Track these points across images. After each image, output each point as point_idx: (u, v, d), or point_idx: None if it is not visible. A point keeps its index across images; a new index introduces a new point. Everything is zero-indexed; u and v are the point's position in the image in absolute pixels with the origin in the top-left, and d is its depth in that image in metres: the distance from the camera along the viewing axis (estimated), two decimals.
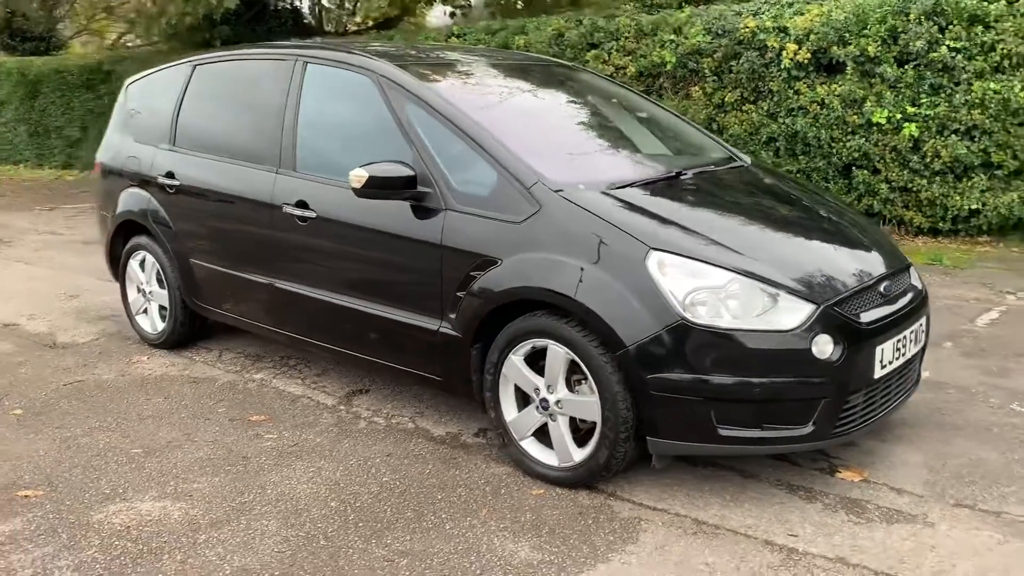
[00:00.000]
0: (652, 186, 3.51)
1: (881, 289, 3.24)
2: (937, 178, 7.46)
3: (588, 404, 3.12)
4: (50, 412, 4.18)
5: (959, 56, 7.25)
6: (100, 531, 3.06)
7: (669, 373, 2.92)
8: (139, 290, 5.10)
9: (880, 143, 7.65)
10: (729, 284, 2.94)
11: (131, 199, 4.94)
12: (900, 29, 7.47)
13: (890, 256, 3.49)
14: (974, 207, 7.33)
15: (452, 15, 13.44)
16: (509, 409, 3.39)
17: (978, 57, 7.21)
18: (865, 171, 7.76)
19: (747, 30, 8.30)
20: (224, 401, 4.26)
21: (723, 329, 2.90)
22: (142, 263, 5.03)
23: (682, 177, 3.67)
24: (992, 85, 7.12)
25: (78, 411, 4.19)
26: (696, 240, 3.09)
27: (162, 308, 5.00)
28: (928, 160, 7.43)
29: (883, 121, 7.64)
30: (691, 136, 4.38)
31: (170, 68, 4.97)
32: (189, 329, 4.96)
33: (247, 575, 2.78)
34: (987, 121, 7.20)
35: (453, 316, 3.45)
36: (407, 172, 3.46)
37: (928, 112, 7.45)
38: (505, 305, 3.28)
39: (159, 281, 4.94)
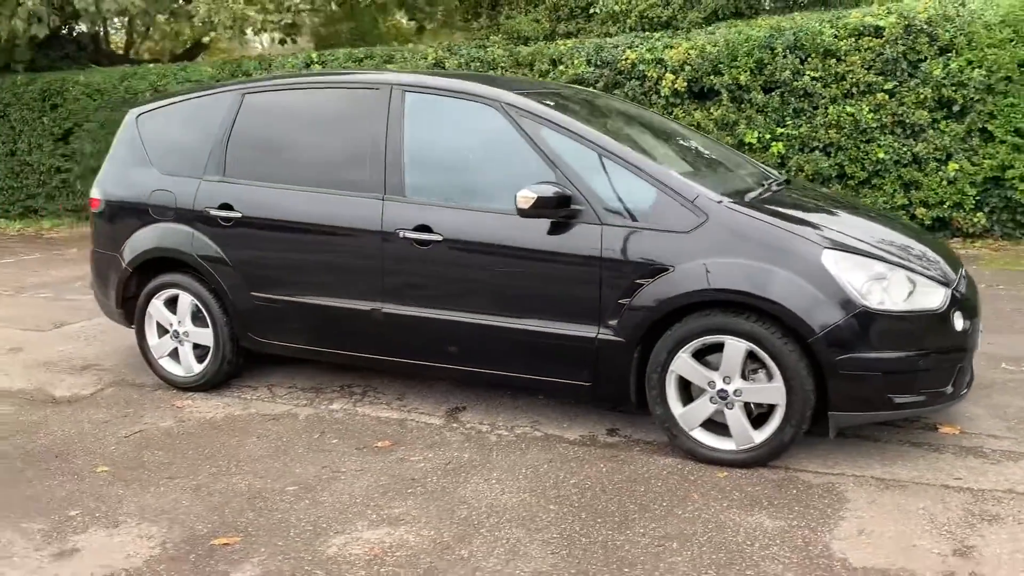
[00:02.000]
0: (769, 196, 4.00)
1: (963, 273, 3.95)
2: None
3: (769, 390, 3.54)
4: (143, 465, 3.91)
5: (818, 84, 8.45)
6: (347, 562, 3.03)
7: (855, 354, 3.41)
8: (165, 331, 4.80)
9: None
10: (889, 274, 3.49)
11: (162, 234, 4.67)
12: (766, 61, 8.56)
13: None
14: None
15: (282, 42, 13.20)
16: (676, 404, 3.72)
17: (832, 85, 8.43)
18: None
19: (627, 61, 9.09)
20: (328, 433, 4.20)
21: (895, 312, 3.44)
22: (170, 303, 4.75)
23: (775, 188, 4.19)
24: (848, 108, 8.36)
25: (174, 460, 3.95)
26: (847, 238, 3.62)
27: (197, 348, 4.75)
28: (793, 174, 8.54)
29: (754, 141, 8.73)
30: (731, 154, 4.92)
31: (202, 97, 4.76)
32: (235, 368, 4.76)
33: None
34: (841, 139, 8.45)
35: (614, 323, 3.73)
36: (565, 192, 3.70)
37: (792, 132, 8.61)
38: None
39: (196, 320, 4.70)
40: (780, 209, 3.81)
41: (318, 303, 4.34)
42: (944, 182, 8.22)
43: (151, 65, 12.30)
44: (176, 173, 4.68)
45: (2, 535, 3.31)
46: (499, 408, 4.42)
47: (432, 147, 4.19)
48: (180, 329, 4.74)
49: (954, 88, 8.07)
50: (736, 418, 3.62)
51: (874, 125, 8.32)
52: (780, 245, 3.53)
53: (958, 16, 8.05)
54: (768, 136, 8.73)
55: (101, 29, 15.62)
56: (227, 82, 5.00)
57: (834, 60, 8.39)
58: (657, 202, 3.70)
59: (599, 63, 9.24)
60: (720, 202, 3.66)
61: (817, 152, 8.58)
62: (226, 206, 4.48)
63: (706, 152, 4.71)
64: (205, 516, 3.42)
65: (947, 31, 8.05)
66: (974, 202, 8.23)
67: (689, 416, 3.70)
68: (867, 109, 8.33)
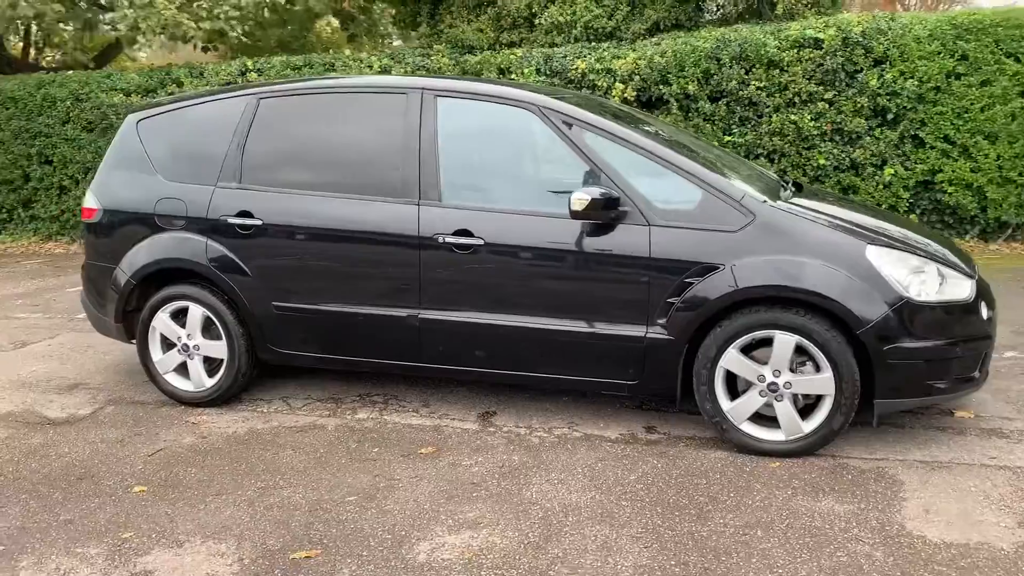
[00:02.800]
0: (799, 196, 4.17)
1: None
2: None
3: (819, 380, 3.69)
4: (180, 483, 3.76)
5: (762, 93, 8.80)
6: (443, 568, 3.01)
7: (900, 343, 3.60)
8: (170, 346, 4.62)
9: None
10: (924, 267, 3.70)
11: (172, 244, 4.49)
12: (713, 71, 8.87)
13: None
14: None
15: (205, 50, 12.81)
16: (724, 399, 3.83)
17: (776, 94, 8.80)
18: None
19: (578, 71, 9.25)
20: (365, 442, 4.13)
21: (933, 303, 3.64)
22: (178, 315, 4.58)
23: (798, 190, 4.37)
24: (791, 117, 8.74)
25: (213, 476, 3.81)
26: (881, 235, 3.81)
27: (208, 362, 4.59)
28: None
29: None
30: (739, 160, 5.07)
31: (209, 103, 4.61)
32: (249, 380, 4.62)
33: (648, 572, 2.96)
34: (785, 146, 8.83)
35: (663, 321, 3.81)
36: (613, 193, 3.77)
37: (739, 140, 8.94)
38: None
39: (206, 332, 4.54)
40: (817, 209, 3.97)
41: (347, 311, 4.26)
42: (880, 186, 8.68)
43: (70, 72, 11.71)
44: (185, 180, 4.51)
45: (59, 562, 3.13)
46: (530, 411, 4.44)
47: (468, 151, 4.19)
48: (190, 342, 4.56)
49: (888, 97, 8.54)
50: (786, 409, 3.75)
51: (815, 133, 8.71)
52: (826, 242, 3.69)
53: (890, 30, 8.53)
54: (716, 144, 9.01)
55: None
56: (236, 86, 4.85)
57: (777, 70, 8.76)
58: (704, 202, 3.81)
59: (549, 72, 9.36)
60: (764, 202, 3.79)
61: (762, 159, 8.93)
62: (245, 214, 4.35)
63: (723, 157, 4.86)
64: (272, 530, 3.32)
65: (881, 44, 8.52)
66: (907, 204, 8.72)
67: (739, 410, 3.82)
68: (808, 117, 8.72)
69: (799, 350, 3.71)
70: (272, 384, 4.90)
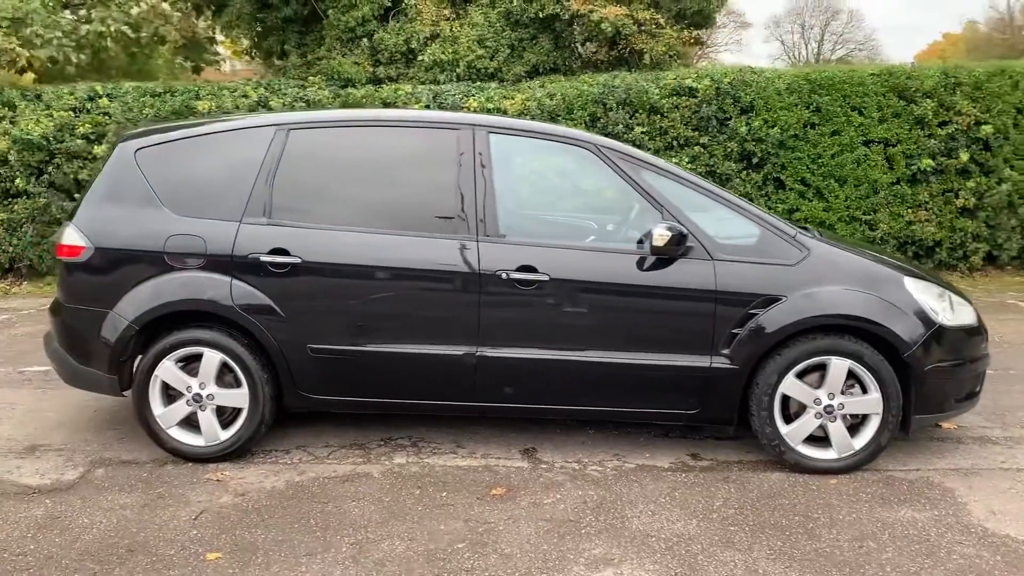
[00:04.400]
0: (827, 236, 4.54)
1: None
2: None
3: (867, 401, 4.03)
4: (256, 547, 3.45)
5: (645, 137, 9.36)
6: None
7: (936, 364, 4.02)
8: (172, 397, 4.20)
9: None
10: (943, 295, 4.17)
11: (187, 284, 4.10)
12: (599, 115, 9.33)
13: None
14: None
15: (22, 71, 11.61)
16: (781, 423, 4.08)
17: (657, 138, 9.40)
18: None
19: (469, 109, 9.38)
20: (427, 487, 3.97)
21: (955, 326, 4.11)
22: (184, 362, 4.18)
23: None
24: (672, 159, 9.36)
25: (287, 536, 3.52)
26: (908, 267, 4.25)
27: (221, 412, 4.23)
28: None
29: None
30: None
31: (224, 133, 4.27)
32: (268, 430, 4.30)
33: None
34: None
35: (726, 351, 4.01)
36: (684, 229, 3.95)
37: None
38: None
39: (220, 381, 4.18)
40: (843, 245, 4.35)
41: (396, 351, 4.09)
42: None
43: None
44: (202, 216, 4.14)
45: None
46: (568, 445, 4.46)
47: (524, 188, 4.20)
48: (203, 392, 4.17)
49: (754, 143, 9.37)
50: (838, 429, 4.05)
51: None
52: (872, 274, 4.07)
53: (755, 82, 9.38)
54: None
55: None
56: (255, 116, 4.51)
57: (658, 116, 9.35)
58: (762, 238, 4.06)
59: (441, 107, 9.39)
60: (814, 238, 4.11)
61: None
62: (280, 251, 4.07)
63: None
64: None
65: (748, 95, 9.34)
66: None
67: (796, 432, 4.07)
68: (686, 160, 9.36)
69: (848, 373, 4.03)
70: (276, 434, 4.57)
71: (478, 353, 4.07)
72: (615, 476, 4.09)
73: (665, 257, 3.99)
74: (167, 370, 4.16)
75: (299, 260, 4.06)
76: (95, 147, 9.23)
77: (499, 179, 4.11)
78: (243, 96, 9.58)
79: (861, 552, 3.36)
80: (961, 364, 4.14)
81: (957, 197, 9.45)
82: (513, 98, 9.45)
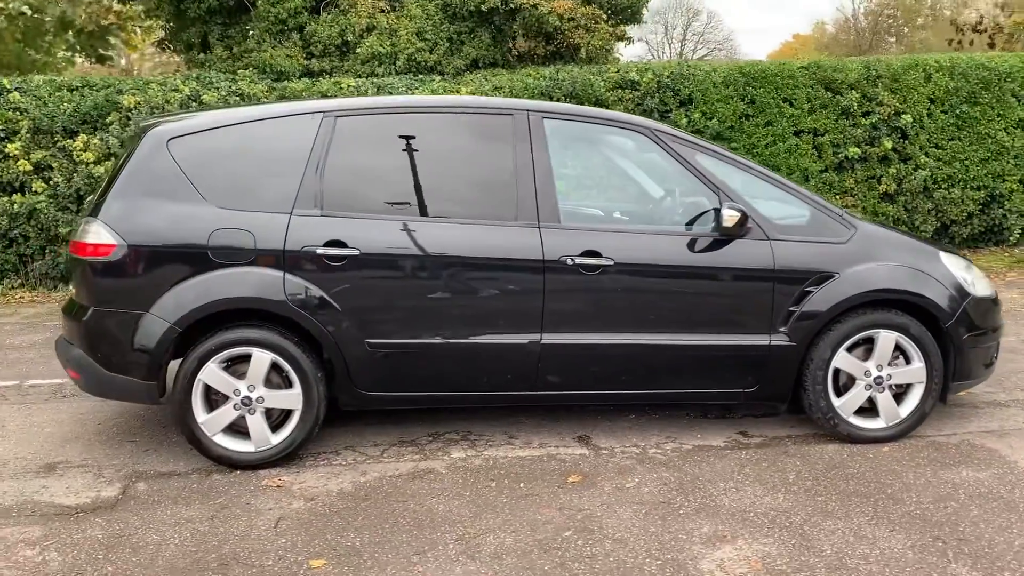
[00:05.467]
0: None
1: None
2: None
3: (912, 371, 4.22)
4: (357, 551, 3.30)
5: None
6: (729, 569, 3.05)
7: (971, 333, 4.26)
8: (213, 402, 3.96)
9: None
10: (969, 267, 4.41)
11: (236, 281, 3.86)
12: None
13: None
14: None
15: None
16: (834, 397, 4.22)
17: None
18: None
19: None
20: (503, 479, 3.89)
21: (982, 297, 4.35)
22: (229, 364, 3.95)
23: None
24: None
25: (386, 538, 3.39)
26: (938, 243, 4.47)
27: (269, 415, 4.02)
28: None
29: None
30: None
31: (271, 120, 4.04)
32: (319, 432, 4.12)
33: (923, 549, 3.24)
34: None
35: (784, 328, 4.12)
36: (746, 211, 4.02)
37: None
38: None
39: (269, 382, 3.97)
40: (881, 223, 4.53)
41: (458, 343, 3.99)
42: None
43: None
44: (249, 208, 3.91)
45: None
46: (617, 431, 4.46)
47: (581, 173, 4.15)
48: (252, 395, 3.94)
49: (694, 135, 9.60)
50: (887, 400, 4.23)
51: None
52: (914, 249, 4.26)
53: (694, 76, 9.64)
54: None
55: None
56: (294, 103, 4.27)
57: (603, 108, 9.45)
58: (813, 218, 4.18)
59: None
60: (858, 217, 4.26)
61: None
62: (337, 243, 3.89)
63: None
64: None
65: (687, 88, 9.59)
66: None
67: (847, 404, 4.22)
68: None
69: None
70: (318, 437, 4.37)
71: (543, 341, 4.01)
72: (679, 457, 4.13)
73: (724, 238, 4.05)
74: (212, 373, 3.91)
75: (357, 252, 3.89)
76: (7, 145, 8.58)
77: (556, 164, 4.07)
78: (174, 90, 9.08)
79: (949, 512, 3.51)
80: (986, 333, 4.38)
81: (879, 183, 9.98)
82: (459, 91, 9.35)
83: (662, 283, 4.08)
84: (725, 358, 4.13)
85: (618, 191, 4.35)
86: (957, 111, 9.92)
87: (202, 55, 10.22)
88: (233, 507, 3.65)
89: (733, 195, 4.10)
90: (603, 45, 10.38)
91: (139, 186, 3.93)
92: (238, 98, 9.19)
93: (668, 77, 9.57)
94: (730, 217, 3.91)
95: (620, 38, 11.17)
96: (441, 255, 3.97)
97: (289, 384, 3.97)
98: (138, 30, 11.53)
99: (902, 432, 4.26)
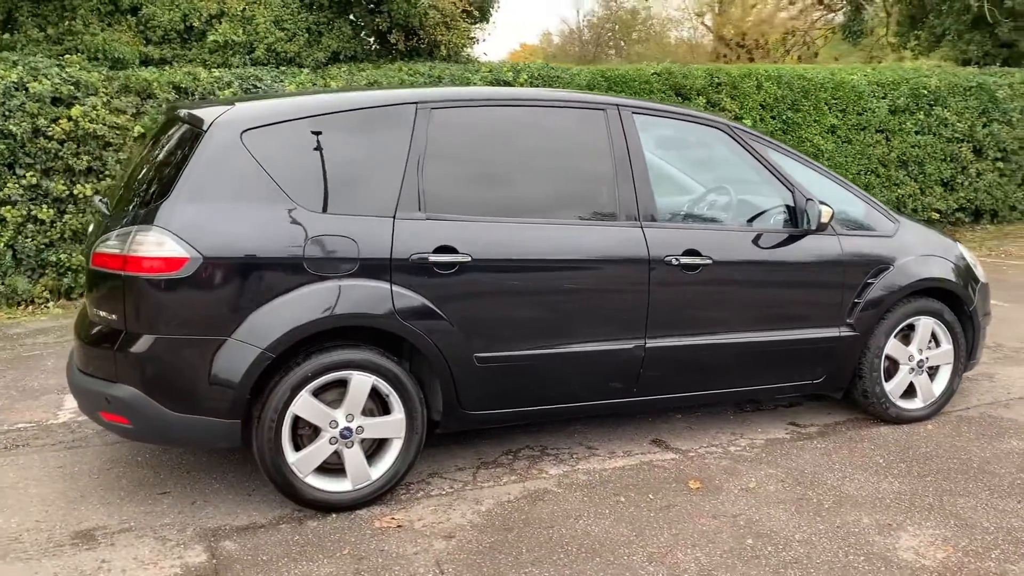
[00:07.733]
0: None
1: None
2: None
3: (942, 353, 4.56)
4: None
5: None
6: (928, 555, 3.16)
7: (985, 316, 4.69)
8: (304, 437, 3.45)
9: None
10: (973, 256, 4.87)
11: (342, 295, 3.35)
12: None
13: None
14: None
15: None
16: (884, 382, 4.47)
17: None
18: None
19: None
20: (627, 492, 3.71)
21: (986, 282, 4.82)
22: (321, 391, 3.44)
23: None
24: None
25: (581, 569, 3.12)
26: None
27: (366, 446, 3.55)
28: None
29: None
30: None
31: (359, 111, 3.50)
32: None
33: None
34: None
35: (850, 319, 4.29)
36: (832, 208, 4.14)
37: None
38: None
39: (365, 410, 3.51)
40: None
41: (569, 351, 3.74)
42: None
43: None
44: (348, 211, 3.40)
45: None
46: (684, 432, 4.41)
47: (668, 169, 4.05)
48: (352, 425, 3.45)
49: None
50: (925, 382, 4.54)
51: None
52: (941, 243, 4.61)
53: (560, 78, 9.77)
54: None
55: None
56: (378, 90, 3.71)
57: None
58: (867, 212, 4.39)
59: (263, 93, 8.42)
60: (895, 210, 4.53)
61: None
62: (447, 249, 3.49)
63: None
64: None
65: (559, 86, 9.69)
66: None
67: (895, 389, 4.48)
68: None
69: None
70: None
71: (648, 344, 3.87)
72: (765, 452, 4.16)
73: (801, 234, 4.13)
74: (307, 404, 3.37)
75: (468, 258, 3.52)
76: None
77: (649, 161, 3.94)
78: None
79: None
80: (988, 314, 4.84)
81: None
82: (329, 85, 8.77)
83: (754, 280, 4.09)
84: (803, 351, 4.22)
85: (700, 189, 4.29)
86: (784, 116, 10.84)
87: (7, 35, 8.71)
88: (371, 557, 3.16)
89: (804, 191, 4.18)
90: (462, 43, 10.20)
91: (210, 187, 3.28)
92: (72, 86, 7.93)
93: (541, 77, 9.60)
94: (827, 213, 4.00)
95: (472, 37, 11.03)
96: (552, 258, 3.70)
97: (386, 410, 3.52)
98: None
99: (936, 410, 4.59)
